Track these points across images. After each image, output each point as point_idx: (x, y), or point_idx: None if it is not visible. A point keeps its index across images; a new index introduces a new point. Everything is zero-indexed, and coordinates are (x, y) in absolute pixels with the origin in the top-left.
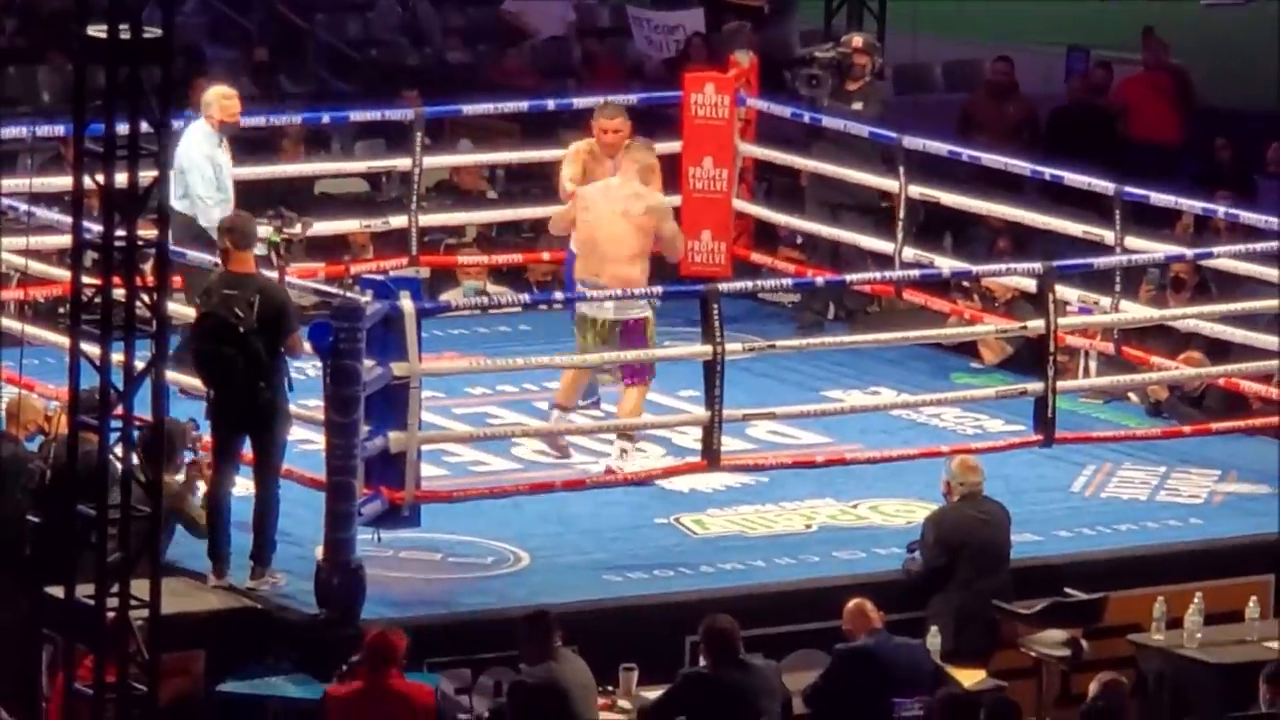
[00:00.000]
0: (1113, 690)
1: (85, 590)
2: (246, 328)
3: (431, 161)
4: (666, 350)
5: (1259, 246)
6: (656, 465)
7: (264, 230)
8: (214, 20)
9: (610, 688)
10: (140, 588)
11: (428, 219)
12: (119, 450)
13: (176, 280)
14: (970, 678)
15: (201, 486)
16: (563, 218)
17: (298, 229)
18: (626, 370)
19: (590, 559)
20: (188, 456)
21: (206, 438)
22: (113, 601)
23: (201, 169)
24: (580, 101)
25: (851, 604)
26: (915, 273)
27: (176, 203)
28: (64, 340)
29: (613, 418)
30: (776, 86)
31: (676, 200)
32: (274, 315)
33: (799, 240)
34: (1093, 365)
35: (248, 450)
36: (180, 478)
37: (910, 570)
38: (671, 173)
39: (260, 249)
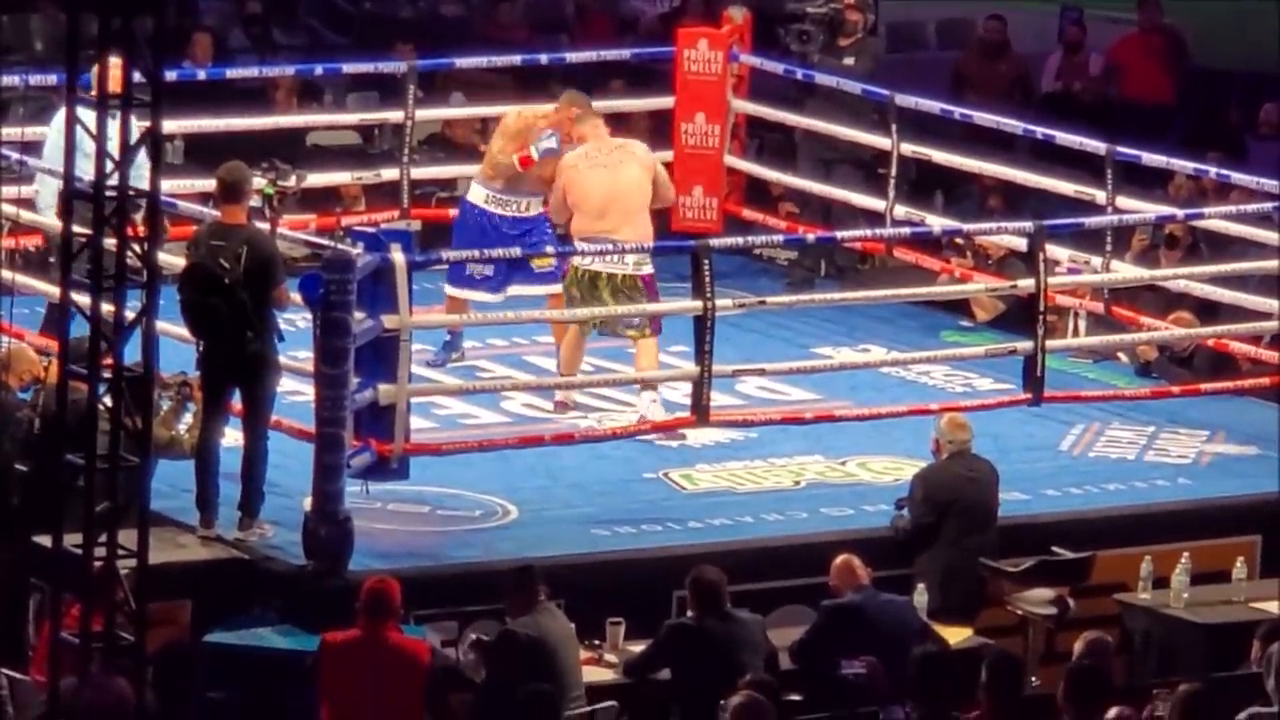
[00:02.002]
0: (1097, 649)
1: (73, 539)
2: (233, 279)
3: (424, 114)
4: (656, 305)
5: (1251, 207)
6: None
7: (258, 182)
8: None
9: (597, 641)
10: (128, 537)
11: (419, 172)
12: (108, 400)
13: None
14: (957, 635)
15: (192, 408)
16: (562, 204)
17: (292, 181)
18: (652, 322)
19: (578, 513)
20: (164, 404)
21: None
22: (100, 551)
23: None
24: (573, 56)
25: (839, 560)
26: (906, 230)
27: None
28: (54, 289)
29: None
30: (769, 42)
31: (668, 155)
32: (261, 267)
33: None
34: (1082, 324)
35: (237, 401)
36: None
37: (898, 527)
38: (664, 128)
39: (255, 200)
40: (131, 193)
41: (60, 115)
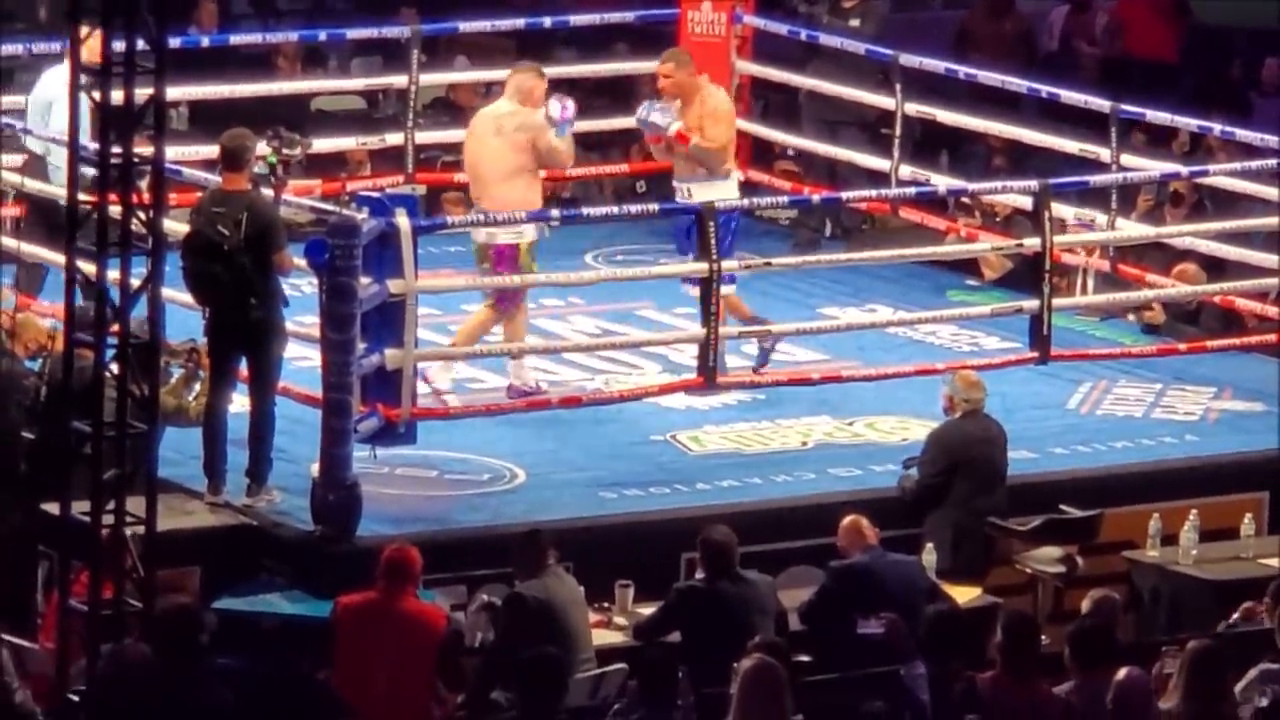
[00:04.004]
0: (1104, 607)
1: (81, 506)
2: (232, 245)
3: (428, 79)
4: (663, 268)
5: (1255, 164)
6: (653, 382)
7: (262, 149)
8: None
9: (606, 604)
10: (136, 504)
11: (424, 136)
12: (115, 367)
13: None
14: (965, 594)
15: (202, 375)
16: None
17: (297, 151)
18: (496, 294)
19: (586, 476)
20: (175, 372)
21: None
22: (108, 518)
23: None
24: (576, 19)
25: (847, 521)
26: (912, 190)
27: (34, 143)
28: (60, 257)
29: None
30: (773, 3)
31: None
32: (261, 232)
33: (791, 152)
34: (1090, 283)
35: (244, 368)
36: (172, 379)
37: (904, 487)
38: None
39: (260, 168)
40: (136, 160)
41: (54, 79)
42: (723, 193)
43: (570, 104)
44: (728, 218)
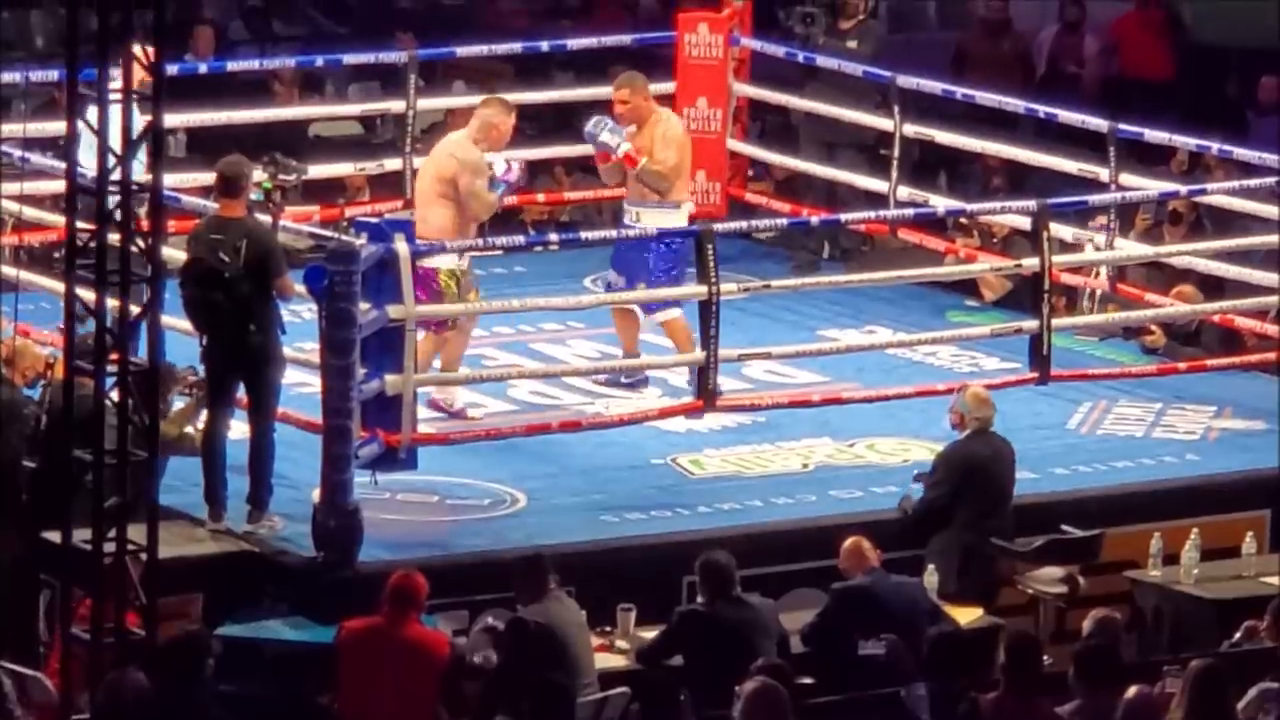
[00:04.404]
0: (1106, 627)
1: (82, 534)
2: (232, 272)
3: (425, 104)
4: (660, 291)
5: (1254, 182)
6: (653, 406)
7: (258, 175)
8: None
9: (608, 628)
10: (137, 532)
11: (422, 161)
12: (115, 395)
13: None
14: (967, 615)
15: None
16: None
17: (292, 178)
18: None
19: (587, 500)
20: (177, 403)
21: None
22: (110, 546)
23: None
24: (573, 42)
25: (848, 543)
26: (910, 211)
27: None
28: (59, 286)
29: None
30: (770, 25)
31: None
32: (261, 259)
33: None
34: (1096, 304)
35: (243, 394)
36: (176, 408)
37: (904, 509)
38: None
39: (255, 195)
40: (134, 187)
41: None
42: (672, 221)
43: (516, 169)
44: (681, 244)
